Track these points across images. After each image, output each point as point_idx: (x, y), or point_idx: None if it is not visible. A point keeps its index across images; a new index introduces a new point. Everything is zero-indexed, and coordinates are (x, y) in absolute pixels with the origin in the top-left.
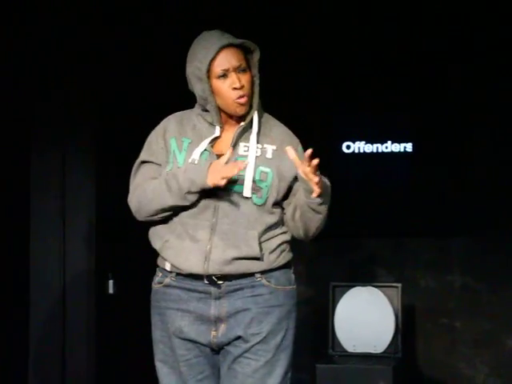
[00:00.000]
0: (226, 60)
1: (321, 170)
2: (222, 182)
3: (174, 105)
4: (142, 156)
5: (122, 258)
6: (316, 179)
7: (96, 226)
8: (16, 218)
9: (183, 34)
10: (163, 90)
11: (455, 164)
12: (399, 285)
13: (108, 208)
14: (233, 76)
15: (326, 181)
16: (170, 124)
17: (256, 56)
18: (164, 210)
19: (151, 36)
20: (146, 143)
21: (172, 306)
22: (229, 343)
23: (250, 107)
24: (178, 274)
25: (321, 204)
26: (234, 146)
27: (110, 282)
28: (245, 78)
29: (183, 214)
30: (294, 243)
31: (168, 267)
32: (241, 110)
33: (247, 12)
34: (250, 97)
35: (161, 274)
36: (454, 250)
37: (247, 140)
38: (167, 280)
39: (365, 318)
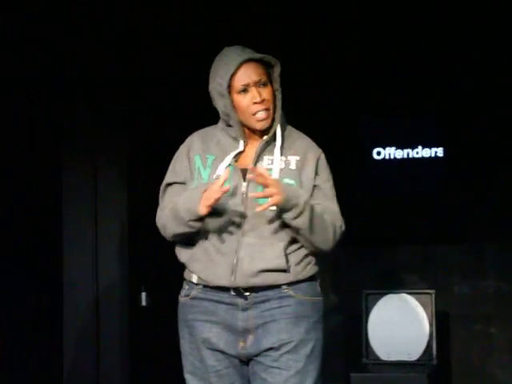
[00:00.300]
0: (246, 75)
1: (352, 177)
2: (204, 211)
3: (201, 116)
4: (167, 178)
5: (155, 270)
6: (261, 180)
7: (129, 239)
8: (49, 230)
9: (208, 50)
10: (190, 102)
11: (487, 168)
12: (433, 291)
13: (141, 220)
14: (253, 90)
15: (301, 200)
16: (193, 142)
17: (277, 70)
18: (181, 235)
19: (178, 51)
20: (171, 164)
21: (200, 318)
22: (258, 354)
23: (273, 120)
24: (204, 286)
25: (294, 218)
26: (258, 159)
27: (143, 295)
28: (266, 92)
29: (209, 228)
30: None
31: (195, 280)
32: (262, 125)
33: (269, 24)
34: (272, 110)
35: (187, 287)
36: (488, 256)
37: (271, 153)
38: (194, 292)
39: (398, 325)
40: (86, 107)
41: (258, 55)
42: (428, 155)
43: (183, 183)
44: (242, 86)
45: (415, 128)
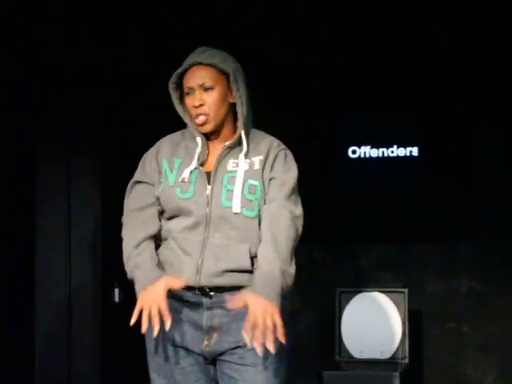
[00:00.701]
0: (192, 78)
1: (327, 175)
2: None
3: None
4: (136, 176)
5: None
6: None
7: (101, 235)
8: (21, 227)
9: (184, 47)
10: (166, 102)
11: (462, 168)
12: (406, 290)
13: (114, 217)
14: (196, 94)
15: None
16: (162, 145)
17: (232, 77)
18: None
19: (154, 48)
20: (140, 163)
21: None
22: (224, 352)
23: (220, 123)
24: None
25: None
26: (220, 163)
27: (116, 291)
28: (208, 97)
29: (175, 230)
30: (300, 247)
31: None
32: (202, 129)
33: (254, 20)
34: (217, 116)
35: None
36: (461, 255)
37: (236, 156)
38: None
39: (371, 323)
40: (59, 107)
41: (209, 60)
42: (403, 154)
43: (151, 184)
44: (187, 88)
45: (390, 127)
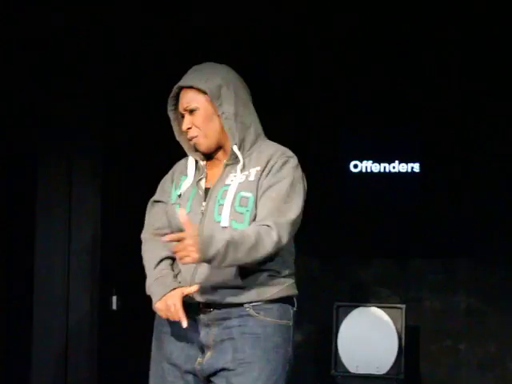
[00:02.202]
0: (180, 102)
1: (329, 189)
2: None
3: None
4: (156, 196)
5: (126, 274)
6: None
7: (101, 243)
8: (22, 234)
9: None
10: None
11: (463, 184)
12: (403, 306)
13: (113, 225)
14: (185, 118)
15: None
16: (178, 166)
17: (209, 96)
18: None
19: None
20: (160, 185)
21: (166, 331)
22: (214, 374)
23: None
24: None
25: (220, 265)
26: (220, 180)
27: (114, 298)
28: (194, 119)
29: (171, 244)
30: (299, 260)
31: None
32: (200, 149)
33: (258, 35)
34: (208, 134)
35: None
36: (460, 272)
37: (235, 170)
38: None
39: (368, 338)
40: (61, 112)
41: (188, 83)
42: (404, 170)
43: (164, 203)
44: (180, 113)
45: (392, 143)
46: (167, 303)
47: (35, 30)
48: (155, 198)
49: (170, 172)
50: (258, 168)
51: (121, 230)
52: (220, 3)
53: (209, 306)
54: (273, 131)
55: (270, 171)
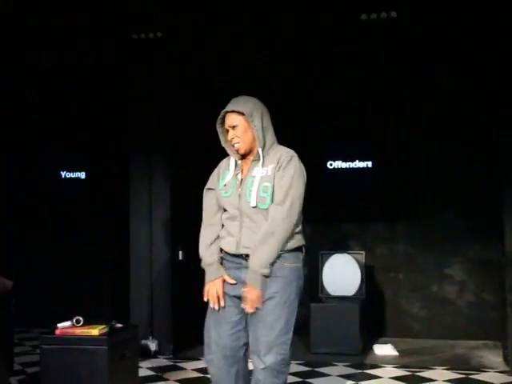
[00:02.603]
0: (226, 122)
1: (314, 180)
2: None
3: None
4: (208, 184)
5: (188, 237)
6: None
7: (171, 218)
8: (121, 213)
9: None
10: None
11: (400, 174)
12: (363, 252)
13: (179, 205)
14: (230, 131)
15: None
16: (222, 163)
17: (247, 115)
18: None
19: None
20: (210, 177)
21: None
22: None
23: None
24: (226, 253)
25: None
26: (249, 172)
27: (180, 252)
28: (236, 132)
29: (223, 221)
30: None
31: (222, 248)
32: (238, 152)
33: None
34: (245, 141)
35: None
36: (399, 230)
37: (258, 165)
38: (221, 255)
39: (342, 273)
40: (144, 122)
41: (231, 108)
42: (362, 166)
43: (214, 190)
44: (225, 128)
45: (354, 149)
46: (211, 292)
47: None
48: (208, 186)
49: (217, 168)
50: (273, 165)
51: (183, 208)
52: None
53: (248, 256)
54: (280, 141)
55: (280, 166)
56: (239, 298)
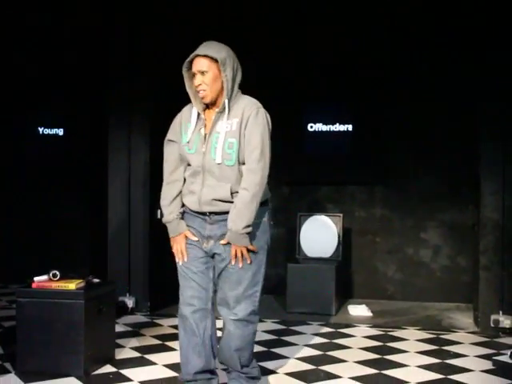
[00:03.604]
0: (195, 66)
1: (294, 142)
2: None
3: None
4: (169, 135)
5: None
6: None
7: (149, 176)
8: (98, 168)
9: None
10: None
11: (379, 138)
12: (341, 215)
13: (156, 165)
14: (197, 77)
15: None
16: (183, 113)
17: (220, 63)
18: None
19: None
20: (171, 125)
21: (188, 224)
22: (215, 254)
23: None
24: (189, 208)
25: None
26: (214, 126)
27: (158, 211)
28: (205, 78)
29: (186, 177)
30: (274, 189)
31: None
32: (204, 101)
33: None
34: (212, 90)
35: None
36: (377, 193)
37: (223, 120)
38: (186, 210)
39: (319, 235)
40: (124, 83)
41: (204, 52)
42: (343, 129)
43: (176, 142)
44: (192, 73)
45: (334, 111)
46: (175, 248)
47: None
48: (169, 137)
49: (178, 117)
50: (237, 119)
51: (162, 166)
52: None
53: (211, 213)
54: (261, 102)
55: (247, 122)
56: (205, 251)
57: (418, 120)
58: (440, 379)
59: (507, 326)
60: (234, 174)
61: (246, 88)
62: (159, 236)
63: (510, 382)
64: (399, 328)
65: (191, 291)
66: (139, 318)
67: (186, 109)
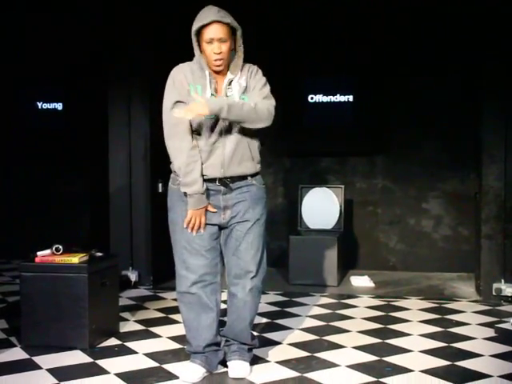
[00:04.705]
0: (212, 32)
1: (296, 112)
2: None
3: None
4: (175, 97)
5: (168, 168)
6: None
7: (150, 149)
8: (100, 144)
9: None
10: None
11: (380, 109)
12: (343, 186)
13: (158, 138)
14: (215, 45)
15: (223, 105)
16: (186, 73)
17: (239, 33)
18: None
19: None
20: (171, 87)
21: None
22: (233, 223)
23: (228, 65)
24: (204, 179)
25: (227, 116)
26: (226, 88)
27: (159, 185)
28: (224, 47)
29: (202, 145)
30: (276, 161)
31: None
32: (217, 69)
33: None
34: (227, 59)
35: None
36: (378, 164)
37: (233, 83)
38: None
39: (321, 207)
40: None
41: (225, 20)
42: (343, 100)
43: (185, 103)
44: (209, 38)
45: (335, 82)
46: (195, 221)
47: None
48: (176, 98)
49: (181, 78)
50: (244, 77)
51: (163, 140)
52: None
53: (232, 178)
54: (263, 73)
55: (251, 76)
56: (216, 225)
57: (418, 90)
58: (443, 347)
59: (509, 295)
60: (252, 140)
61: (247, 58)
62: (161, 209)
63: None
64: (402, 298)
65: (203, 269)
66: (142, 291)
67: (185, 69)
